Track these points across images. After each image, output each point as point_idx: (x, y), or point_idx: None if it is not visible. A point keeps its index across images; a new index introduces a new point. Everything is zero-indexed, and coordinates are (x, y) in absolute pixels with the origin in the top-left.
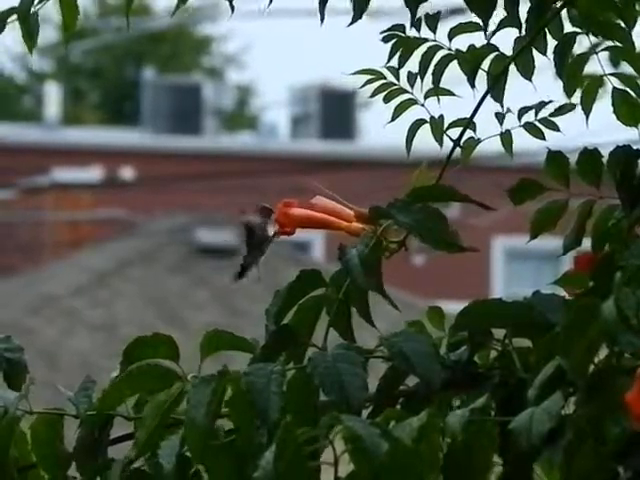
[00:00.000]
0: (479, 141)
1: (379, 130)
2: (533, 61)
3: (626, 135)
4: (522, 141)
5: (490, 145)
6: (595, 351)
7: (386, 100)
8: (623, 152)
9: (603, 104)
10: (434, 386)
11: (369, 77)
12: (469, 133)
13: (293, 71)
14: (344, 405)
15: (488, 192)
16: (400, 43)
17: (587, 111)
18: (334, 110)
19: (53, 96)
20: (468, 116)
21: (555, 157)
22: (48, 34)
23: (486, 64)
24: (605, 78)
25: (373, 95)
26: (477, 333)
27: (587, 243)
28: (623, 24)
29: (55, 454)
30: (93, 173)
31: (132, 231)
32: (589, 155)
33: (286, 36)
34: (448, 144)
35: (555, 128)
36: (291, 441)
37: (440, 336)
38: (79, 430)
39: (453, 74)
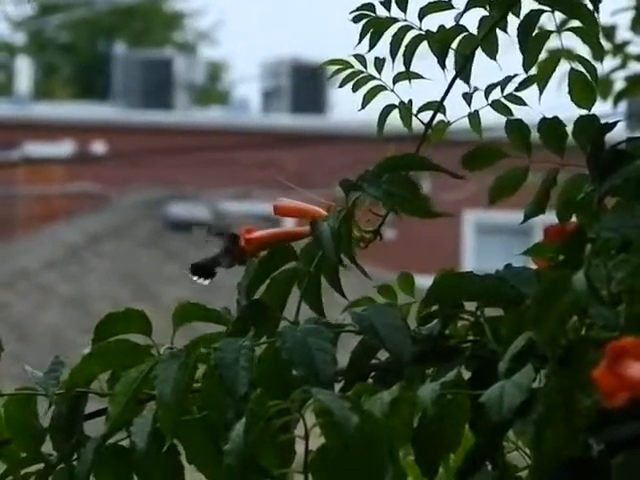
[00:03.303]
0: (449, 124)
1: (350, 105)
2: (497, 40)
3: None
4: (493, 115)
5: (459, 119)
6: (566, 324)
7: (354, 89)
8: (590, 122)
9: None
10: (404, 360)
11: (337, 67)
12: (439, 116)
13: (265, 46)
14: (313, 379)
15: (457, 166)
16: (370, 24)
17: (541, 88)
18: (305, 85)
19: (25, 70)
20: (436, 96)
21: (516, 125)
22: (21, 8)
23: (455, 44)
24: (564, 57)
25: (342, 85)
26: (448, 306)
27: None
28: (589, 4)
29: (29, 431)
30: (64, 147)
31: (104, 205)
32: (551, 123)
33: (258, 11)
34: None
35: (521, 103)
36: (261, 413)
37: (410, 301)
38: (52, 409)
39: (418, 52)
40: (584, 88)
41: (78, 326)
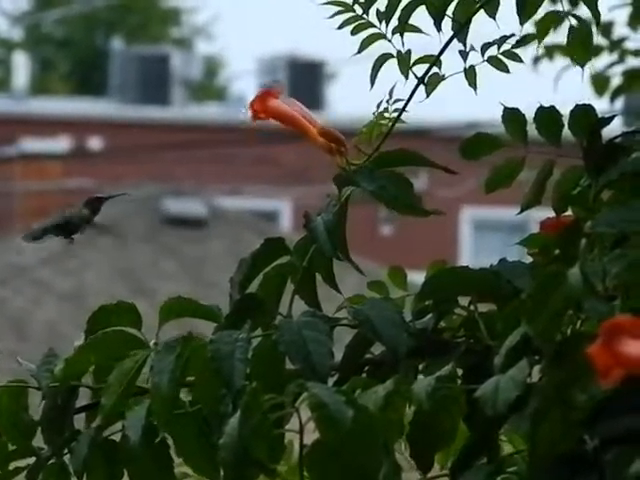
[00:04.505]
0: (443, 78)
1: (346, 101)
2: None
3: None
4: (489, 112)
5: (457, 115)
6: (561, 318)
7: (354, 32)
8: (585, 112)
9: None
10: (400, 354)
11: (339, 8)
12: (434, 71)
13: (261, 42)
14: (310, 373)
15: (454, 163)
16: None
17: (540, 39)
18: (302, 80)
19: (22, 66)
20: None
21: (512, 114)
22: (18, 4)
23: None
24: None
25: (341, 27)
26: (443, 301)
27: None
28: None
29: (19, 424)
30: (61, 143)
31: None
32: (548, 113)
33: (254, 6)
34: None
35: (518, 59)
36: (256, 407)
37: (402, 295)
38: (44, 402)
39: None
40: (582, 42)
41: (74, 322)
